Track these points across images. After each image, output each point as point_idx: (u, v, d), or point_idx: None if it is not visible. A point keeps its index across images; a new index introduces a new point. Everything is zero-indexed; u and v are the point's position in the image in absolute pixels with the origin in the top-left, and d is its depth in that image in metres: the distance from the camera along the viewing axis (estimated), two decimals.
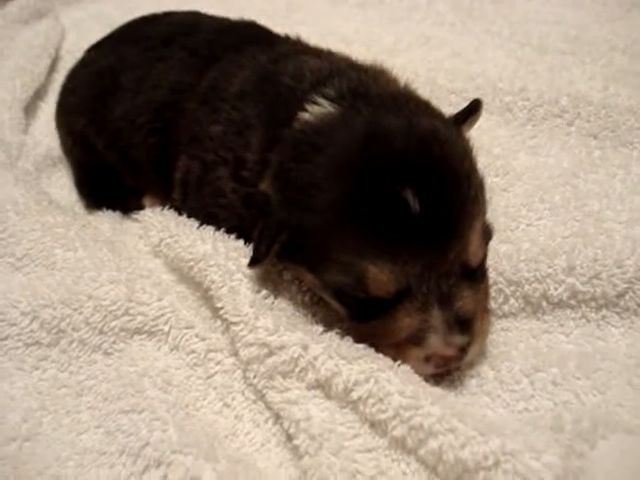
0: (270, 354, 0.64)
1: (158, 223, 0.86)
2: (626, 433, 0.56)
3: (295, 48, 0.88)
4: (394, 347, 0.63)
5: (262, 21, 0.99)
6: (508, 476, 0.53)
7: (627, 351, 0.68)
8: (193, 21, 0.97)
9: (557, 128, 1.01)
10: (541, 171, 0.93)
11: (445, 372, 0.67)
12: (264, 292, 0.70)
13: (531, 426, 0.59)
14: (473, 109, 0.76)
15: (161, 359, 0.72)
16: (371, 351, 0.64)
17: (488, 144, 0.98)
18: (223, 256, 0.74)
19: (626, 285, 0.70)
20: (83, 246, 0.84)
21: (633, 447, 0.55)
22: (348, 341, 0.65)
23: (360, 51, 1.21)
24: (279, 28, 0.99)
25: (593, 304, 0.71)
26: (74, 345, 0.75)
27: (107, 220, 0.96)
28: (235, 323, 0.67)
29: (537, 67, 1.13)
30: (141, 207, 0.96)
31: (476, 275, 0.65)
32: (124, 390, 0.68)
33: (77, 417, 0.69)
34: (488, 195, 0.85)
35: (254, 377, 0.65)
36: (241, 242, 0.77)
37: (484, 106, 1.05)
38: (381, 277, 0.60)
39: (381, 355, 0.64)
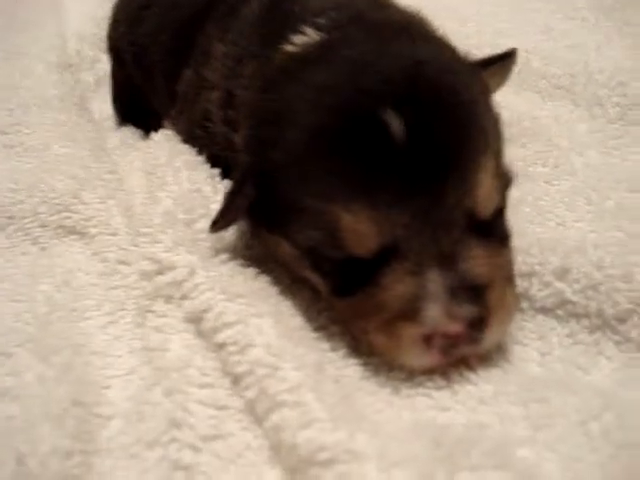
0: (159, 272, 0.56)
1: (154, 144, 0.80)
2: None
3: None
4: (384, 327, 0.49)
5: None
6: None
7: (612, 395, 0.49)
8: None
9: None
10: (606, 172, 0.74)
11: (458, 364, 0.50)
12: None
13: (428, 439, 0.44)
14: (504, 57, 0.62)
15: (79, 262, 0.65)
16: (270, 291, 0.53)
17: (554, 133, 0.81)
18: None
19: (630, 306, 0.51)
20: (74, 142, 0.81)
21: None
22: (249, 274, 0.54)
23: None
24: None
25: (586, 322, 0.53)
26: (19, 233, 0.71)
27: (122, 135, 0.93)
28: (143, 234, 0.59)
29: None
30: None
31: (491, 231, 0.50)
32: (23, 282, 0.63)
33: None
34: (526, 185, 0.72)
35: (141, 296, 0.57)
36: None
37: (573, 96, 0.90)
38: (358, 226, 0.47)
39: (280, 297, 0.52)
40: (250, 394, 0.47)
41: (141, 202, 0.63)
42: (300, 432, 0.42)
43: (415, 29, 0.59)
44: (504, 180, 0.52)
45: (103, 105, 1.06)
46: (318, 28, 0.59)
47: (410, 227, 0.46)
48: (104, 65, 1.16)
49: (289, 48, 0.58)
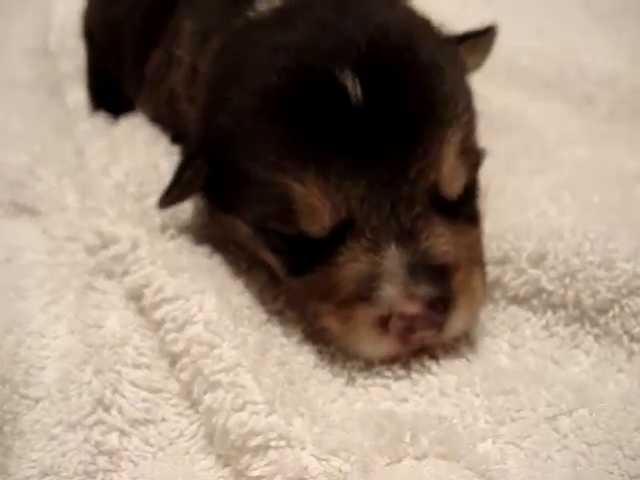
0: (103, 246, 0.52)
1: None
2: None
3: None
4: (338, 310, 0.44)
5: None
6: (270, 468, 0.35)
7: (588, 391, 0.44)
8: None
9: None
10: (594, 167, 0.70)
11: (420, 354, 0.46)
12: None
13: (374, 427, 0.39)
14: (483, 33, 0.59)
15: (28, 239, 0.61)
16: (218, 269, 0.49)
17: (541, 127, 0.77)
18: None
19: (612, 296, 0.47)
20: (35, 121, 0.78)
21: None
22: (199, 251, 0.50)
23: None
24: None
25: (563, 314, 0.49)
26: None
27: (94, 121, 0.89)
28: (92, 209, 0.55)
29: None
30: None
31: (458, 209, 0.46)
32: None
33: None
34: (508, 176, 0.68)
35: (84, 273, 0.53)
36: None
37: (562, 93, 0.86)
38: (311, 200, 0.43)
39: (229, 275, 0.48)
40: (186, 376, 0.42)
41: (94, 177, 0.59)
42: (233, 415, 0.37)
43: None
44: (473, 157, 0.48)
45: (79, 93, 1.02)
46: None
47: (367, 200, 0.42)
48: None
49: (250, 14, 0.54)
